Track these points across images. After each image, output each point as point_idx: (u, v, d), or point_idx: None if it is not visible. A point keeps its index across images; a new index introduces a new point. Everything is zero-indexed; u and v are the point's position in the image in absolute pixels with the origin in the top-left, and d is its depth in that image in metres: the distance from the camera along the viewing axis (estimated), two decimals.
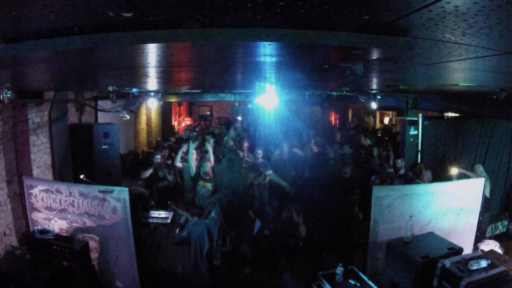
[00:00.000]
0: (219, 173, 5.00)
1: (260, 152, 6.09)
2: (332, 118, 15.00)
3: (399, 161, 6.17)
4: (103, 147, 6.11)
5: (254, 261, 4.48)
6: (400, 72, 2.73)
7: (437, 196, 4.28)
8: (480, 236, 4.75)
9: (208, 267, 3.50)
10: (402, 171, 6.08)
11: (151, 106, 10.85)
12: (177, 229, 3.82)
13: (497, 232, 5.90)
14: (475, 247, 4.45)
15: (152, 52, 1.59)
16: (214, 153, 6.26)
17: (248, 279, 4.35)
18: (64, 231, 4.11)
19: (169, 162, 6.66)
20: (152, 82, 4.02)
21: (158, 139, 10.82)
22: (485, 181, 4.88)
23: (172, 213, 5.02)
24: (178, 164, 6.05)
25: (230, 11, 0.99)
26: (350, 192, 5.46)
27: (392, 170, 6.12)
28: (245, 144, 6.81)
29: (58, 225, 4.15)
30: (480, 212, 4.57)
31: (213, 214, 3.67)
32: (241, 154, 6.20)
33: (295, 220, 5.03)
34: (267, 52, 1.63)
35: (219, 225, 3.58)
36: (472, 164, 6.70)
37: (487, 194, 5.33)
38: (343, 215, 4.79)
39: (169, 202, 4.64)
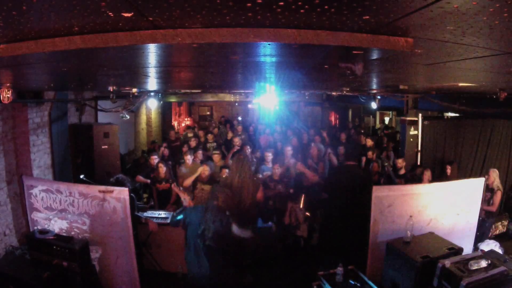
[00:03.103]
0: (229, 176, 4.93)
1: (269, 155, 6.07)
2: (332, 118, 15.01)
3: (401, 160, 6.18)
4: (103, 147, 6.11)
5: (254, 261, 4.48)
6: (400, 72, 2.73)
7: (437, 196, 4.28)
8: (480, 236, 4.75)
9: (204, 249, 3.58)
10: (402, 171, 6.09)
11: (151, 106, 10.89)
12: (177, 211, 3.93)
13: (497, 232, 5.90)
14: (475, 247, 4.45)
15: (152, 52, 1.59)
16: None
17: (248, 279, 4.35)
18: (64, 231, 4.11)
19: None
20: (152, 82, 4.02)
21: (154, 140, 10.78)
22: (497, 190, 4.88)
23: (172, 213, 5.02)
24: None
25: (230, 11, 0.99)
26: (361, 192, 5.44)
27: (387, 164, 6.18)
28: (248, 150, 6.85)
29: (58, 225, 4.16)
30: (481, 210, 4.57)
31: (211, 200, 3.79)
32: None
33: (298, 219, 5.04)
34: (267, 52, 1.63)
35: (213, 207, 3.65)
36: (472, 164, 6.71)
37: (497, 204, 5.15)
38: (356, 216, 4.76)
39: (172, 185, 4.77)
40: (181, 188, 4.35)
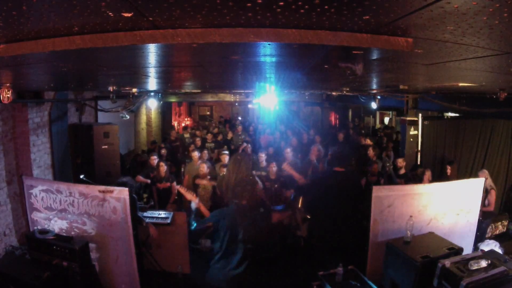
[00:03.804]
0: (226, 176, 4.93)
1: (263, 156, 6.06)
2: (332, 118, 15.02)
3: (401, 160, 6.18)
4: (103, 147, 6.11)
5: (254, 261, 4.47)
6: (400, 72, 2.73)
7: (437, 196, 4.28)
8: (480, 236, 4.75)
9: (244, 252, 3.31)
10: (402, 171, 6.08)
11: (151, 106, 10.89)
12: (192, 217, 3.56)
13: (497, 232, 5.89)
14: (475, 247, 4.45)
15: (152, 52, 1.59)
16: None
17: (247, 280, 4.35)
18: (64, 231, 4.11)
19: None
20: (152, 82, 4.02)
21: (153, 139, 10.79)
22: (490, 189, 4.84)
23: (172, 213, 5.02)
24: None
25: (230, 11, 0.99)
26: (358, 196, 5.41)
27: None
28: (248, 149, 6.90)
29: (58, 225, 4.15)
30: (480, 212, 4.57)
31: (234, 201, 3.49)
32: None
33: (296, 220, 5.03)
34: (267, 52, 1.63)
35: (244, 210, 3.37)
36: (472, 164, 6.71)
37: (493, 203, 5.14)
38: (349, 218, 4.73)
39: (178, 187, 4.47)
40: (186, 188, 4.11)
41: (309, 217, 5.06)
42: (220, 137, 9.11)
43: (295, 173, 5.15)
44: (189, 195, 3.72)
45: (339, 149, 5.12)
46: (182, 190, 3.94)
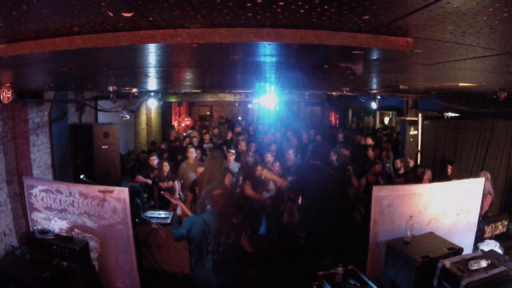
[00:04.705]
0: (202, 173, 4.94)
1: (269, 156, 6.03)
2: (332, 118, 15.01)
3: (399, 161, 6.18)
4: (103, 147, 6.12)
5: (256, 261, 4.47)
6: (400, 72, 2.73)
7: (437, 196, 4.28)
8: (480, 236, 4.75)
9: (214, 264, 3.12)
10: (402, 171, 6.08)
11: (151, 106, 10.89)
12: (175, 224, 3.39)
13: (497, 232, 5.90)
14: (475, 247, 4.45)
15: (152, 52, 1.59)
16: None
17: (247, 280, 4.35)
18: (64, 231, 4.11)
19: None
20: (152, 82, 4.02)
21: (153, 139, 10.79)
22: (486, 193, 4.81)
23: (172, 213, 5.02)
24: None
25: (230, 11, 0.99)
26: (348, 190, 5.42)
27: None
28: (252, 147, 6.94)
29: (58, 225, 4.15)
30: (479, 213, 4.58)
31: (208, 207, 3.25)
32: (249, 156, 6.24)
33: (296, 220, 5.04)
34: (267, 52, 1.63)
35: (218, 218, 3.15)
36: (472, 164, 6.71)
37: (485, 207, 5.10)
38: (341, 216, 4.75)
39: (162, 192, 4.39)
40: (177, 195, 4.06)
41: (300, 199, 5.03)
42: (208, 137, 8.92)
43: (275, 178, 5.18)
44: (174, 200, 3.74)
45: (316, 145, 5.16)
46: (167, 195, 3.97)
